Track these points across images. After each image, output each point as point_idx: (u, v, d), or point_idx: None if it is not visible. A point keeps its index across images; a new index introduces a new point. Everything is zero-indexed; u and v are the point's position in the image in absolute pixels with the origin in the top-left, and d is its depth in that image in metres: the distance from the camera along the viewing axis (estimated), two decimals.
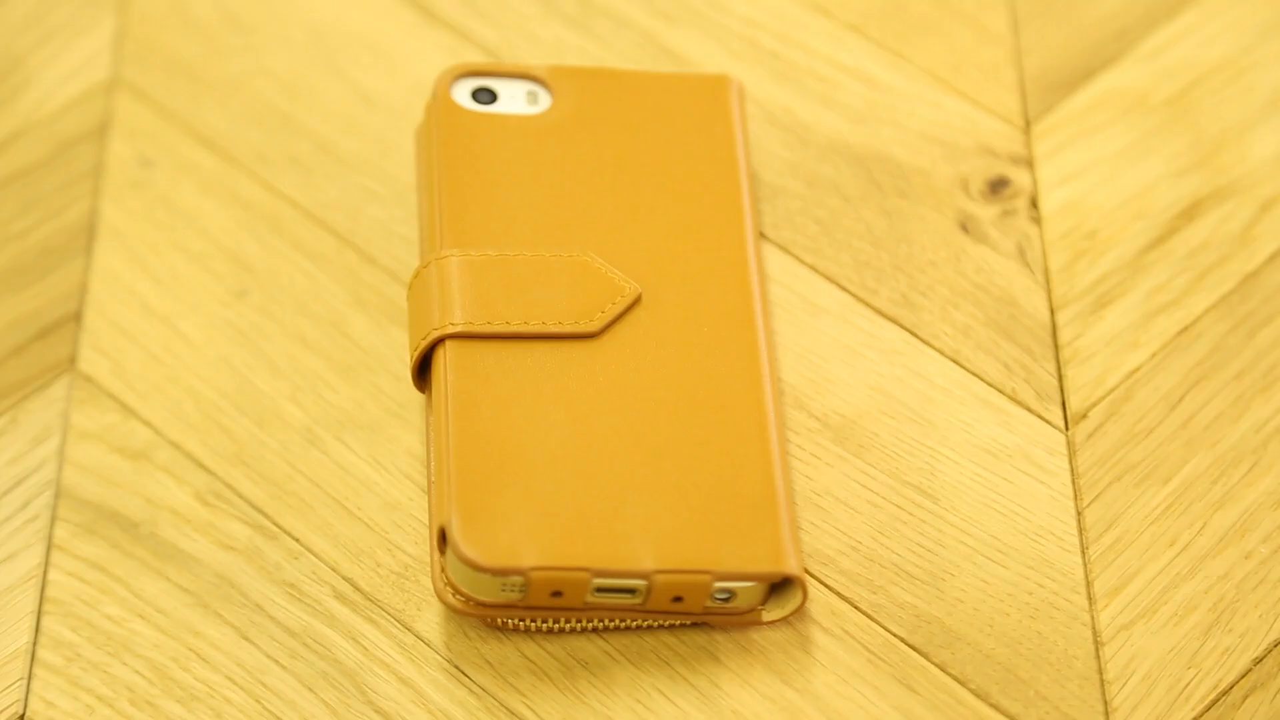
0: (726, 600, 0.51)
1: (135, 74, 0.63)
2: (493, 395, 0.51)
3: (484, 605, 0.50)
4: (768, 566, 0.50)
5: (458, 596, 0.50)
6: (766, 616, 0.51)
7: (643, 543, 0.50)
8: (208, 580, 0.53)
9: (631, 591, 0.50)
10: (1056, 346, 0.58)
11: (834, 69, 0.64)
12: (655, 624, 0.51)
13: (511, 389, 0.51)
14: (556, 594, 0.50)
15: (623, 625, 0.51)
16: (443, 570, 0.51)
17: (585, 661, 0.51)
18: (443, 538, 0.50)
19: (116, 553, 0.53)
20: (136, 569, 0.53)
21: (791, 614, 0.51)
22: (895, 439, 0.56)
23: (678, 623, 0.51)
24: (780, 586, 0.51)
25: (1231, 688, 0.51)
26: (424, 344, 0.53)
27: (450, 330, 0.52)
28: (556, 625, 0.51)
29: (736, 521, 0.51)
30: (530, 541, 0.49)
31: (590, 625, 0.51)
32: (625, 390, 0.52)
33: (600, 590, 0.50)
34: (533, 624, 0.51)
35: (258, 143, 0.62)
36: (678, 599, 0.50)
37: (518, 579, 0.49)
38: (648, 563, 0.50)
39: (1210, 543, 0.54)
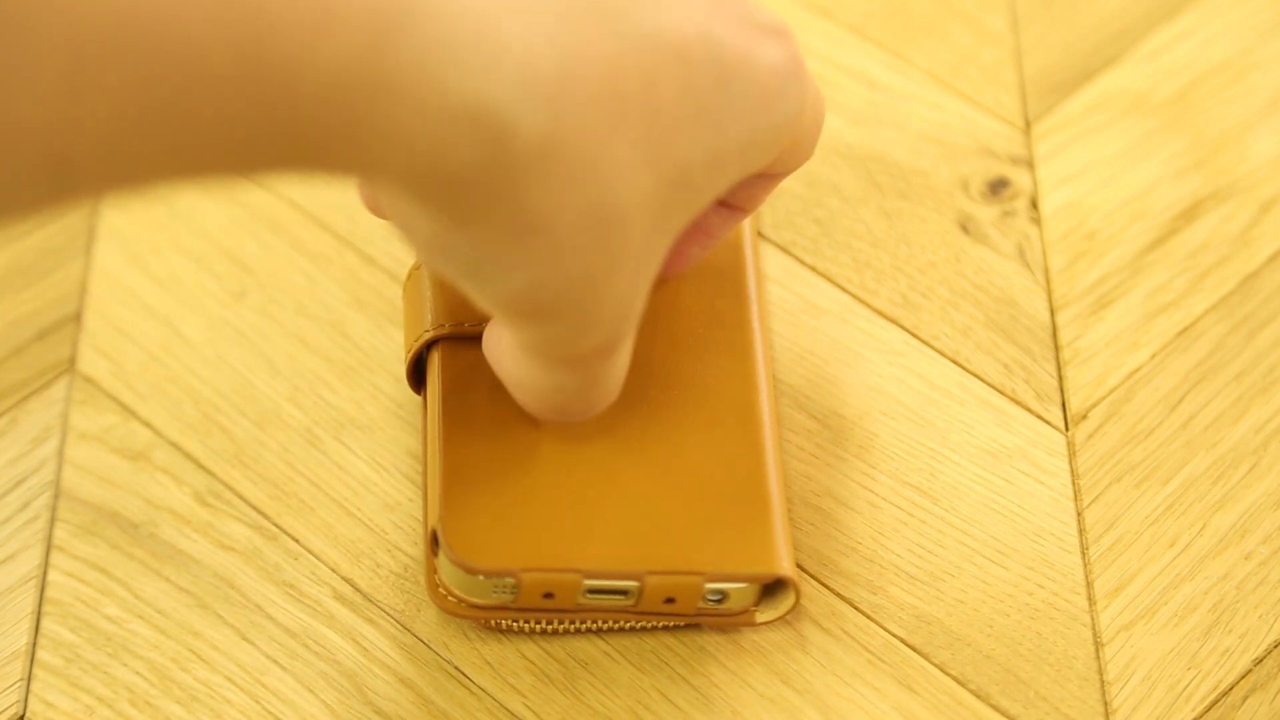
0: (719, 601, 0.51)
1: None
2: (483, 396, 0.51)
3: (476, 607, 0.50)
4: (759, 568, 0.50)
5: (451, 598, 0.50)
6: (760, 618, 0.51)
7: (634, 544, 0.50)
8: (207, 581, 0.53)
9: (623, 593, 0.50)
10: (1056, 347, 0.58)
11: (834, 69, 0.64)
12: (649, 625, 0.51)
13: (502, 390, 0.51)
14: (548, 595, 0.50)
15: (615, 627, 0.51)
16: (435, 572, 0.51)
17: (585, 662, 0.51)
18: (435, 539, 0.50)
19: (116, 553, 0.53)
20: (136, 570, 0.53)
21: (784, 615, 0.51)
22: (895, 440, 0.56)
23: (671, 624, 0.51)
24: (774, 588, 0.51)
25: (1232, 688, 0.51)
26: (417, 345, 0.53)
27: (442, 332, 0.52)
28: (550, 627, 0.51)
29: (729, 523, 0.50)
30: (521, 543, 0.49)
31: (583, 627, 0.51)
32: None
33: (592, 592, 0.50)
34: (525, 625, 0.51)
35: None
36: (670, 600, 0.50)
37: (509, 580, 0.49)
38: (639, 564, 0.49)
39: (1210, 543, 0.54)
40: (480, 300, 0.45)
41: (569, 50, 0.40)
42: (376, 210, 0.48)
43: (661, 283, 0.54)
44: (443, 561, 0.50)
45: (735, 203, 0.51)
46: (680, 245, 0.52)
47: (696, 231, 0.52)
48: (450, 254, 0.43)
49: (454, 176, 0.40)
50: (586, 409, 0.49)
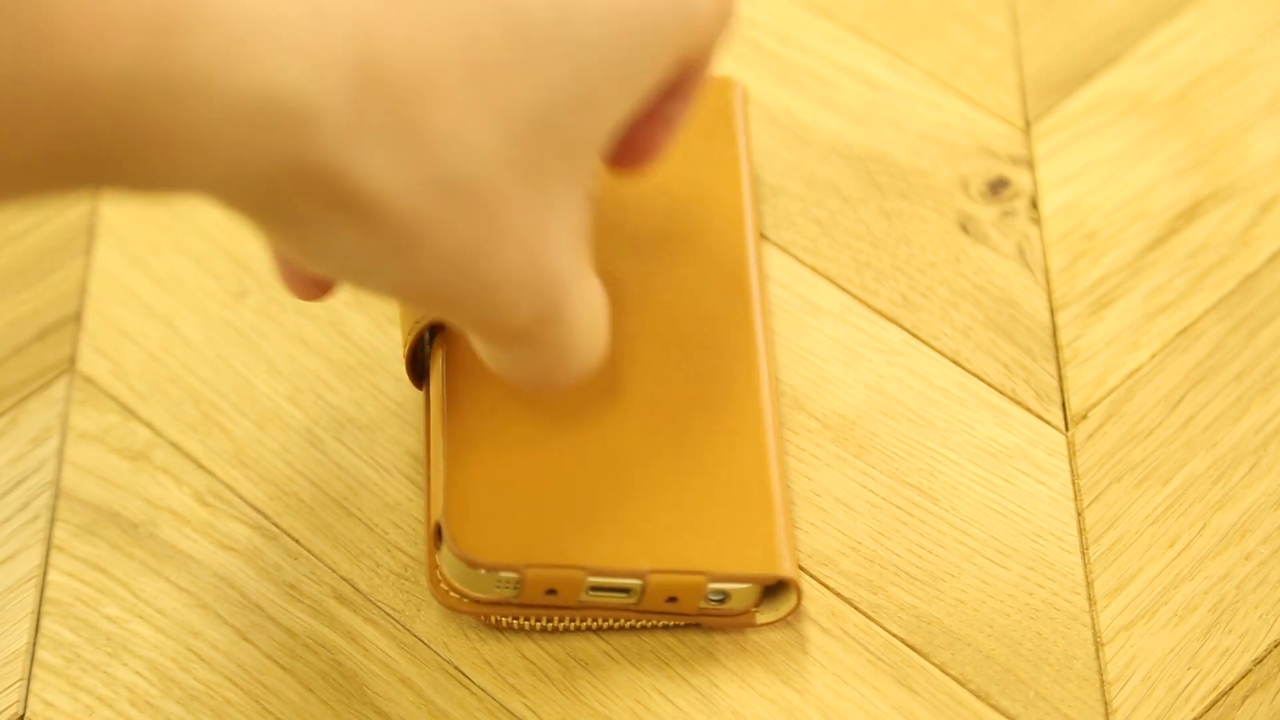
0: (721, 601, 0.51)
1: None
2: (487, 391, 0.51)
3: (478, 602, 0.50)
4: (762, 568, 0.50)
5: (452, 593, 0.50)
6: (761, 619, 0.51)
7: (638, 542, 0.50)
8: (207, 581, 0.53)
9: (626, 591, 0.50)
10: (1056, 347, 0.58)
11: (834, 70, 0.64)
12: (650, 624, 0.51)
13: (506, 384, 0.51)
14: (551, 592, 0.50)
15: (617, 625, 0.51)
16: (438, 567, 0.51)
17: (585, 662, 0.51)
18: (438, 534, 0.50)
19: (116, 553, 0.53)
20: (136, 570, 0.53)
21: (786, 616, 0.51)
22: (895, 440, 0.56)
23: (672, 623, 0.51)
24: (775, 589, 0.51)
25: (1231, 688, 0.51)
26: (416, 330, 0.52)
27: (438, 319, 0.52)
28: (550, 624, 0.51)
29: (732, 523, 0.50)
30: (525, 538, 0.49)
31: (585, 624, 0.51)
32: (623, 389, 0.52)
33: (594, 589, 0.50)
34: (526, 622, 0.51)
35: None
36: (672, 599, 0.50)
37: (512, 576, 0.49)
38: (642, 562, 0.49)
39: (1210, 543, 0.54)
40: (382, 296, 0.42)
41: (366, 28, 0.38)
42: (295, 285, 0.48)
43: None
44: (445, 555, 0.50)
45: (676, 92, 0.47)
46: (636, 137, 0.48)
47: (651, 121, 0.48)
48: (319, 258, 0.41)
49: (268, 175, 0.38)
50: (570, 374, 0.46)
